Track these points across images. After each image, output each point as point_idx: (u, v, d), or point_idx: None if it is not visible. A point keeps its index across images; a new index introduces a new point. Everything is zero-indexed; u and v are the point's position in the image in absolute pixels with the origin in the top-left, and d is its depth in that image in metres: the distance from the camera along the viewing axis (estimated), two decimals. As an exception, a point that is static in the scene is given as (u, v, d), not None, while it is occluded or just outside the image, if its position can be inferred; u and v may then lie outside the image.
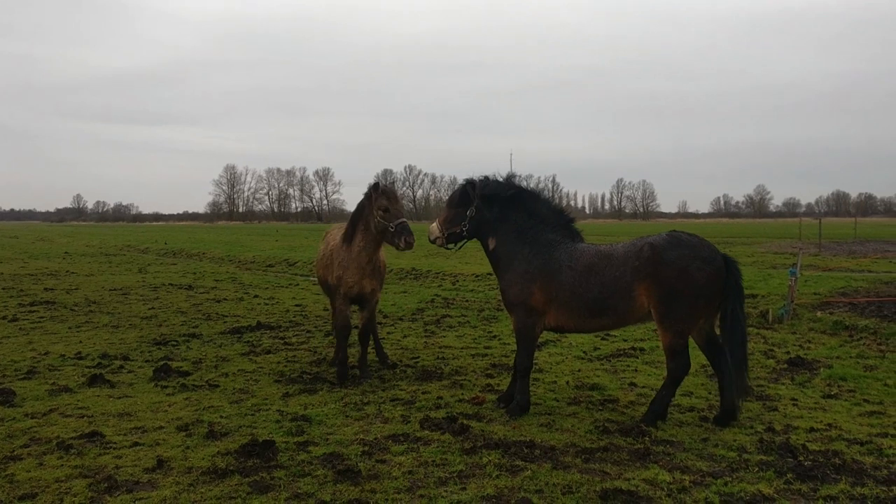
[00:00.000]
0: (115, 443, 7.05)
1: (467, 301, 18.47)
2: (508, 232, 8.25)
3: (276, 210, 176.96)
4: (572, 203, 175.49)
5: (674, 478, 6.05)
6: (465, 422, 7.60)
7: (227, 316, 15.97)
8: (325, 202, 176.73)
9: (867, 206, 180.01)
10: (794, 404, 8.36)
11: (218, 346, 12.28)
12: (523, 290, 7.99)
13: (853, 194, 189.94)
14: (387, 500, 5.68)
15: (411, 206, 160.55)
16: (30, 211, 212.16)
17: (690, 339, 7.72)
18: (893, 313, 13.92)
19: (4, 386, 9.12)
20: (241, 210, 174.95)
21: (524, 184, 8.55)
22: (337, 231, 10.81)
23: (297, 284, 23.47)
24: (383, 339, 12.58)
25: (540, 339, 12.54)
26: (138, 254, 43.22)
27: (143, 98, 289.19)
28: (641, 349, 11.68)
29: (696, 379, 9.54)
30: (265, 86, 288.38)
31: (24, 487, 5.93)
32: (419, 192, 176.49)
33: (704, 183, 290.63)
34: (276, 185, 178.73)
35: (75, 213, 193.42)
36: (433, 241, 8.66)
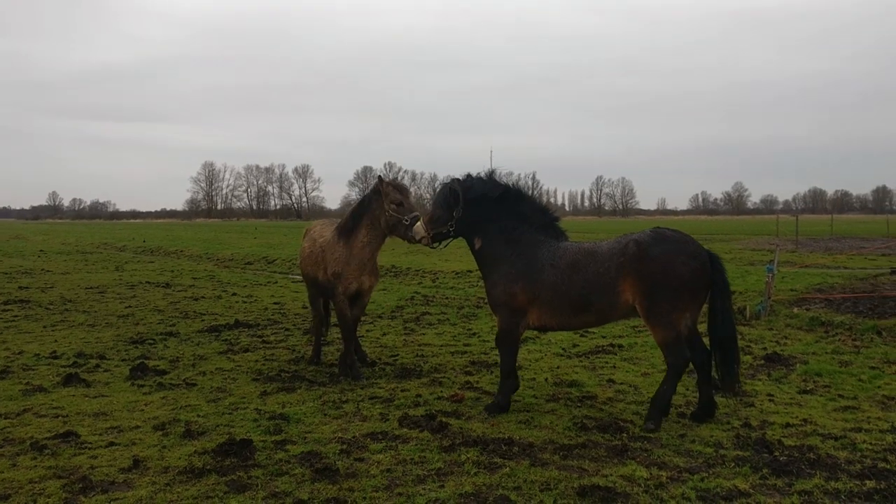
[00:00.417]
0: (90, 443, 6.98)
1: (447, 298, 18.47)
2: (494, 232, 8.26)
3: (254, 207, 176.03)
4: (552, 200, 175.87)
5: (651, 474, 6.08)
6: (443, 419, 7.60)
7: (204, 314, 15.87)
8: (304, 199, 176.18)
9: (843, 203, 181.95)
10: (770, 400, 8.43)
11: (195, 345, 12.20)
12: (506, 290, 8.01)
13: (829, 192, 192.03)
14: (365, 498, 5.67)
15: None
16: (3, 209, 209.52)
17: None
18: (868, 309, 14.09)
19: (-23, 386, 9.00)
20: (219, 207, 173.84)
21: (509, 183, 8.55)
22: (322, 227, 10.71)
23: (276, 282, 23.36)
24: (362, 337, 12.54)
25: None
26: (115, 251, 42.85)
27: (120, 94, 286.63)
28: (620, 346, 11.74)
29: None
30: (244, 82, 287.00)
31: (-3, 489, 5.86)
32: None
33: (683, 180, 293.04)
34: (255, 183, 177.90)
35: (51, 211, 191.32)
36: (418, 241, 8.67)
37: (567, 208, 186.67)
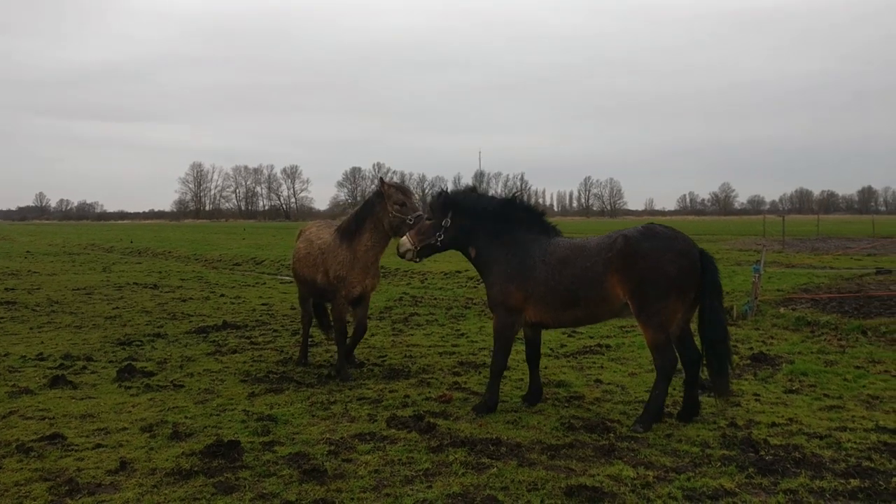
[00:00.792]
0: (76, 445, 6.96)
1: (436, 299, 18.48)
2: (486, 238, 8.31)
3: (243, 208, 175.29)
4: (541, 201, 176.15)
5: (638, 473, 6.11)
6: (431, 420, 7.61)
7: (192, 315, 15.83)
8: (292, 200, 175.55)
9: (829, 203, 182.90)
10: (756, 399, 8.48)
11: (183, 346, 12.17)
12: (502, 290, 8.07)
13: (816, 192, 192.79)
14: (352, 499, 5.67)
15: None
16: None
17: None
18: (854, 309, 14.19)
19: (-37, 388, 8.95)
20: (207, 208, 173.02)
21: (492, 192, 8.62)
22: (319, 228, 10.60)
23: (264, 283, 23.31)
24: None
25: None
26: (103, 252, 42.66)
27: (107, 94, 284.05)
28: (608, 346, 11.78)
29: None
30: (232, 82, 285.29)
31: (-17, 491, 5.83)
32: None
33: (671, 181, 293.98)
34: (244, 183, 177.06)
35: (37, 212, 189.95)
36: (402, 255, 8.66)
37: (555, 209, 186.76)
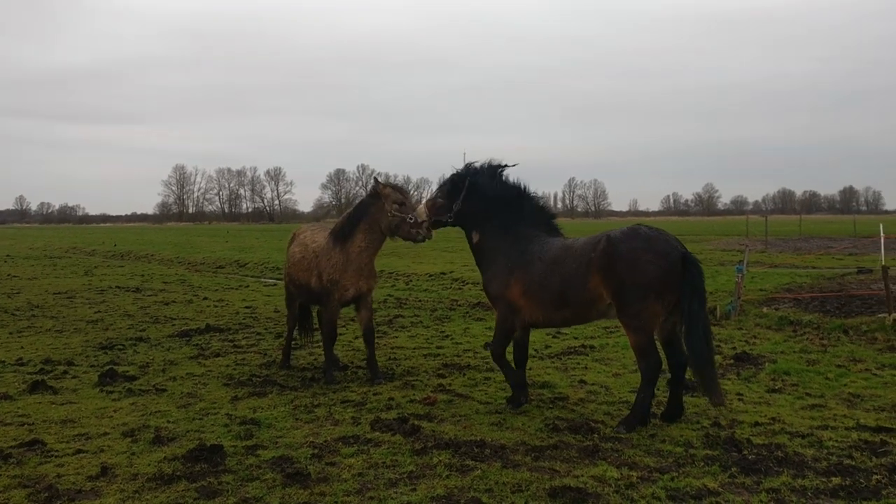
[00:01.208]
0: (57, 451, 6.88)
1: (420, 301, 18.47)
2: (492, 227, 8.40)
3: (226, 211, 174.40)
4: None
5: (622, 474, 6.11)
6: (416, 422, 7.59)
7: (175, 319, 15.73)
8: (276, 202, 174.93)
9: (811, 203, 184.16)
10: (739, 399, 8.52)
11: (166, 350, 12.09)
12: (503, 283, 8.13)
13: (798, 192, 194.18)
14: (336, 503, 5.65)
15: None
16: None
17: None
18: (836, 308, 14.31)
19: (-59, 394, 8.84)
20: (190, 211, 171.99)
21: (513, 180, 8.60)
22: (313, 231, 10.50)
23: (248, 286, 23.22)
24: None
25: (490, 338, 12.60)
26: (85, 256, 42.35)
27: (88, 95, 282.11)
28: (592, 346, 11.80)
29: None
30: (214, 83, 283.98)
31: (-39, 499, 5.76)
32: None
33: (655, 182, 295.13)
34: (227, 186, 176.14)
35: (18, 216, 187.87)
36: (419, 225, 8.91)
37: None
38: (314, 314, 11.30)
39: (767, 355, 10.85)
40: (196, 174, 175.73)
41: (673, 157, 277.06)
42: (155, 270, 30.31)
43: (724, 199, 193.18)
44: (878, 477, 5.98)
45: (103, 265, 33.78)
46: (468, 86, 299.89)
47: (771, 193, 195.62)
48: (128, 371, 10.27)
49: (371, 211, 9.54)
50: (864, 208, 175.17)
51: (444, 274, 23.41)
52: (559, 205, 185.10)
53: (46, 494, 5.82)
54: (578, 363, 10.67)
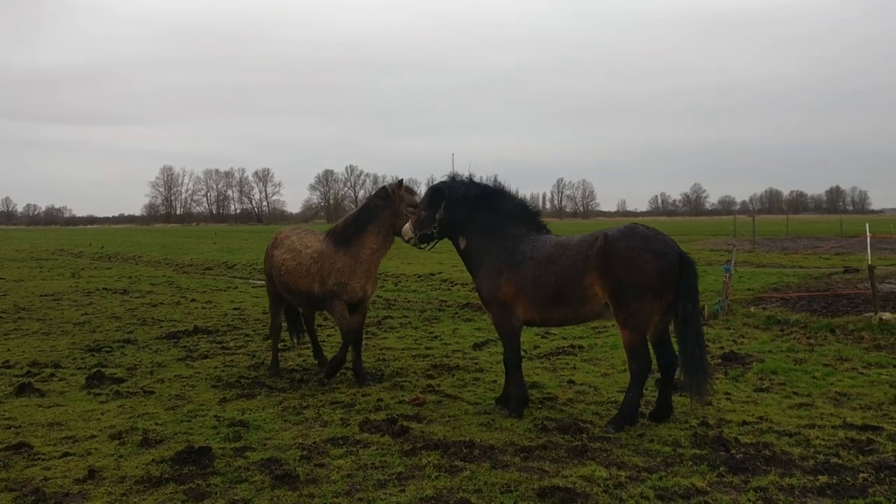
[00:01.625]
0: (43, 454, 6.84)
1: (409, 302, 18.46)
2: (477, 231, 8.39)
3: (214, 212, 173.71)
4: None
5: (610, 474, 6.13)
6: (405, 423, 7.59)
7: (163, 320, 15.66)
8: (264, 203, 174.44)
9: (798, 203, 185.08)
10: (727, 398, 8.55)
11: (153, 352, 12.03)
12: (493, 284, 8.11)
13: (785, 192, 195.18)
14: (325, 504, 5.64)
15: (353, 206, 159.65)
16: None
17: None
18: (822, 307, 14.38)
19: (-74, 397, 8.77)
20: (178, 212, 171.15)
21: (489, 182, 8.64)
22: (300, 236, 10.25)
23: (236, 287, 23.14)
24: (323, 341, 12.48)
25: (478, 339, 12.63)
26: (71, 258, 42.10)
27: (75, 96, 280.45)
28: (580, 346, 11.82)
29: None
30: (202, 85, 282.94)
31: (-54, 503, 5.72)
32: (361, 193, 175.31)
33: (643, 182, 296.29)
34: (215, 187, 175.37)
35: (4, 217, 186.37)
36: (407, 241, 8.91)
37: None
38: (302, 316, 11.14)
39: (755, 354, 10.90)
40: (184, 175, 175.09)
41: (661, 158, 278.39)
42: (142, 272, 30.17)
43: (712, 199, 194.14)
44: (865, 475, 6.02)
45: (90, 267, 33.59)
46: (457, 86, 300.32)
47: (758, 193, 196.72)
48: (115, 373, 10.22)
49: (382, 215, 9.46)
50: (850, 208, 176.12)
51: (433, 275, 23.41)
52: (547, 205, 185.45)
53: (33, 498, 5.79)
54: (567, 363, 10.69)
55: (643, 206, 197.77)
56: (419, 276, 23.49)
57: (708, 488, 5.84)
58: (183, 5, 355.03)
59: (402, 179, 9.56)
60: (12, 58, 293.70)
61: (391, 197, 9.45)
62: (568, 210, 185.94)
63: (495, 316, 8.26)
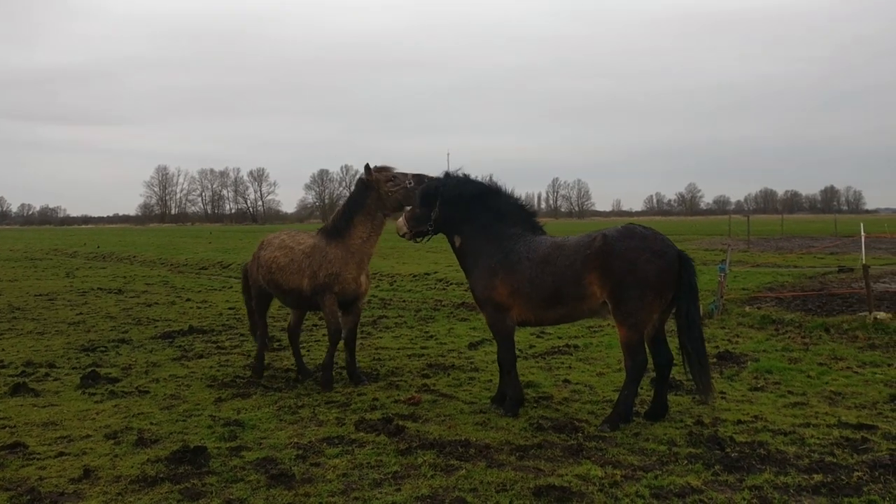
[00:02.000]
0: (38, 453, 6.83)
1: (404, 301, 18.45)
2: (472, 229, 8.38)
3: (209, 212, 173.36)
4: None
5: (606, 472, 6.14)
6: (400, 423, 7.59)
7: (158, 320, 15.64)
8: (259, 203, 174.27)
9: (793, 203, 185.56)
10: (722, 397, 8.57)
11: (148, 352, 12.02)
12: (488, 285, 8.09)
13: (780, 192, 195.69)
14: (321, 503, 5.64)
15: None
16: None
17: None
18: (817, 307, 14.42)
19: (-80, 397, 8.75)
20: (173, 212, 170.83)
21: (484, 180, 8.61)
22: (291, 236, 10.14)
23: (231, 287, 23.09)
24: (318, 341, 12.48)
25: (474, 338, 12.64)
26: (66, 258, 41.98)
27: (69, 96, 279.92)
28: (576, 346, 11.83)
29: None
30: (197, 84, 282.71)
31: (-59, 502, 5.71)
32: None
33: (638, 182, 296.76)
34: (210, 187, 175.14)
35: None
36: (402, 236, 8.89)
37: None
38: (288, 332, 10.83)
39: (750, 354, 10.92)
40: (178, 175, 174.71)
41: (656, 158, 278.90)
42: (137, 272, 30.11)
43: (707, 198, 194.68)
44: (860, 474, 6.04)
45: (85, 267, 33.51)
46: (452, 86, 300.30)
47: (753, 193, 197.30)
48: (110, 373, 10.21)
49: (367, 203, 9.41)
50: (845, 208, 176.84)
51: (428, 274, 23.41)
52: (543, 205, 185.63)
53: (28, 497, 5.78)
54: (562, 363, 10.70)
55: (638, 206, 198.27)
56: (414, 276, 23.49)
57: (703, 487, 5.85)
58: (183, 5, 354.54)
59: (367, 164, 9.43)
60: (9, 57, 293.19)
61: (369, 184, 9.41)
62: (563, 210, 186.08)
63: (489, 316, 8.25)
